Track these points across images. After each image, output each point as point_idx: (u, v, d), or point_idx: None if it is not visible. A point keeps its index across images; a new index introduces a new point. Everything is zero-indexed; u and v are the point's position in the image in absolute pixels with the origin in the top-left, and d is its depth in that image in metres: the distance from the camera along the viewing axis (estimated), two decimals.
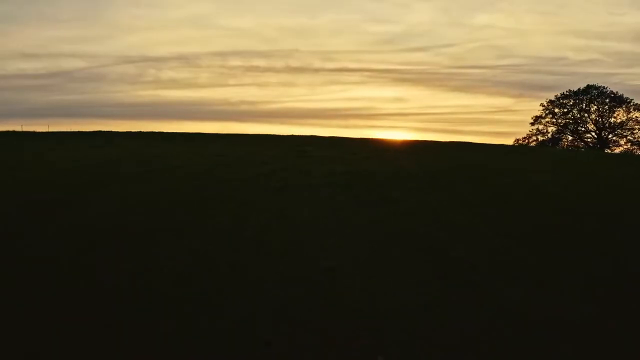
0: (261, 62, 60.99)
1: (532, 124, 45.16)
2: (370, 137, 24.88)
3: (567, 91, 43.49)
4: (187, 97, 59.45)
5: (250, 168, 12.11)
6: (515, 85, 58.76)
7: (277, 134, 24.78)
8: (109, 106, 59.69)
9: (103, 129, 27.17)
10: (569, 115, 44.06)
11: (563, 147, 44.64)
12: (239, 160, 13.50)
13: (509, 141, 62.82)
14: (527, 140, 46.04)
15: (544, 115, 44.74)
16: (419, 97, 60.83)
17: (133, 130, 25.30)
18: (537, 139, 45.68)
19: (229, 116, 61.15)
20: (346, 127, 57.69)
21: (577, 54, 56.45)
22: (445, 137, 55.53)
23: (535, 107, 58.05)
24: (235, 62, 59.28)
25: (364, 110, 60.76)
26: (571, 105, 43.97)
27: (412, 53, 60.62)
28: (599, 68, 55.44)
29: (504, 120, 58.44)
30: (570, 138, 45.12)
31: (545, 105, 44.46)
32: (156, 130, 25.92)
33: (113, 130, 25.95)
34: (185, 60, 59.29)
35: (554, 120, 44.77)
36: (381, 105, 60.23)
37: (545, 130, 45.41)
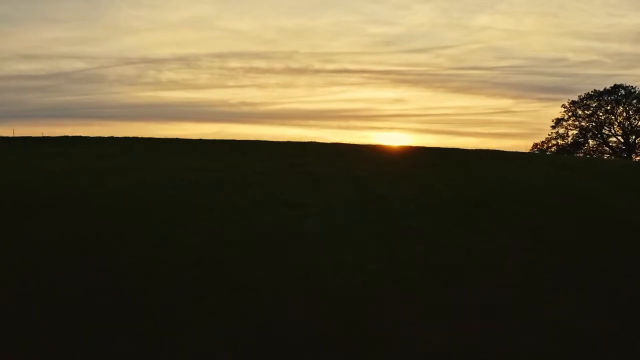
0: (261, 64, 62.38)
1: (554, 127, 45.16)
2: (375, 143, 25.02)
3: (592, 91, 43.53)
4: (186, 98, 61.49)
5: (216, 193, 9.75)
6: (515, 86, 61.18)
7: (269, 139, 24.63)
8: (108, 107, 64.17)
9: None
10: (593, 118, 44.09)
11: (587, 152, 44.73)
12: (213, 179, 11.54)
13: (509, 142, 63.43)
14: (545, 145, 46.10)
15: (566, 117, 44.74)
16: (418, 99, 63.14)
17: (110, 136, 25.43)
18: (557, 142, 45.72)
19: (229, 117, 63.85)
20: (347, 128, 61.98)
21: (577, 55, 59.00)
22: (445, 138, 57.15)
23: (534, 109, 59.93)
24: (235, 63, 60.78)
25: (364, 112, 63.59)
26: (595, 106, 44.06)
27: (411, 54, 62.87)
28: (599, 69, 60.39)
29: (503, 121, 61.99)
30: (592, 142, 45.14)
31: (567, 106, 44.53)
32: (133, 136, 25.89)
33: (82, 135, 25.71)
34: (184, 61, 60.91)
35: (576, 123, 44.83)
36: (381, 107, 63.11)
37: (566, 134, 45.46)
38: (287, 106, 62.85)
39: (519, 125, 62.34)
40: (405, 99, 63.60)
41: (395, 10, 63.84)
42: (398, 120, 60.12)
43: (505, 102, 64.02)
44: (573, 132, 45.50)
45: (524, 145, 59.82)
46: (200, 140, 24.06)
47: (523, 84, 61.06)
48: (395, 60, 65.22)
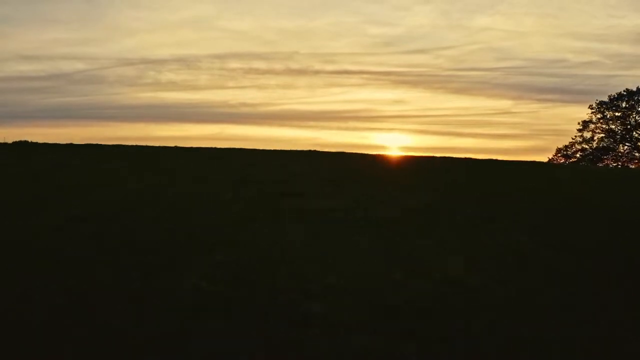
0: (261, 65, 63.97)
1: (580, 130, 41.44)
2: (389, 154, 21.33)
3: (624, 91, 39.89)
4: (186, 99, 63.99)
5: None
6: (515, 87, 63.83)
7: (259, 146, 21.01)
8: (108, 108, 65.79)
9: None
10: (625, 121, 40.43)
11: (615, 158, 41.18)
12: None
13: (509, 143, 63.27)
14: (569, 150, 42.42)
15: (594, 119, 41.04)
16: (418, 99, 64.60)
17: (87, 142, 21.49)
18: (583, 147, 42.03)
19: (229, 118, 65.82)
20: (346, 129, 62.39)
21: (577, 56, 62.23)
22: (445, 139, 57.67)
23: (533, 109, 60.66)
24: (235, 64, 62.08)
25: (363, 113, 66.50)
26: (626, 108, 40.42)
27: (411, 55, 65.12)
28: (599, 70, 60.92)
29: (503, 122, 63.61)
30: (622, 148, 41.50)
31: (595, 107, 40.81)
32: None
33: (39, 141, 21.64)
34: (184, 62, 62.73)
35: (604, 126, 41.17)
36: (381, 108, 66.79)
37: (592, 138, 41.82)
38: (287, 107, 64.18)
39: (518, 126, 63.85)
40: (405, 100, 64.59)
41: (395, 11, 65.06)
42: (398, 121, 61.21)
43: (504, 103, 65.53)
44: (599, 135, 41.93)
45: (523, 146, 59.45)
46: (176, 148, 20.22)
47: (523, 85, 62.59)
48: (395, 61, 67.35)
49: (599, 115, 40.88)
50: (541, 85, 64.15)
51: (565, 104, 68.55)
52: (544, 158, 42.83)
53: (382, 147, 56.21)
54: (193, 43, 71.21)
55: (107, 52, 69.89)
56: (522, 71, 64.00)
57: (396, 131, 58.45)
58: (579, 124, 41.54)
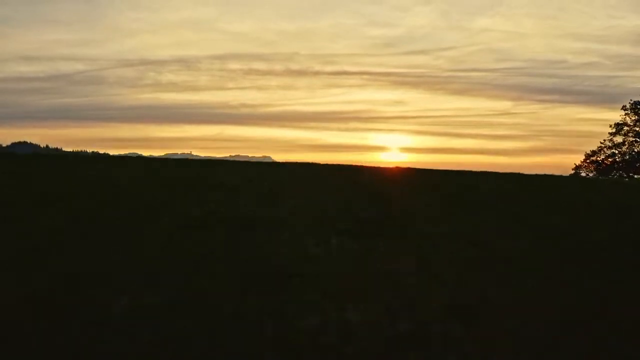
0: (261, 66, 62.76)
1: (613, 134, 37.56)
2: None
3: None
4: (186, 100, 61.95)
5: None
6: (514, 88, 60.96)
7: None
8: (108, 109, 61.67)
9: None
10: None
11: None
12: None
13: (509, 144, 59.90)
14: (598, 157, 38.55)
15: (629, 121, 37.17)
16: (418, 100, 62.58)
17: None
18: (615, 152, 38.09)
19: (229, 119, 61.19)
20: (346, 130, 57.31)
21: (577, 57, 58.76)
22: (444, 140, 55.34)
23: (533, 110, 57.35)
24: (235, 65, 60.96)
25: (363, 113, 62.45)
26: None
27: (411, 56, 63.41)
28: (599, 71, 57.26)
29: (503, 123, 59.68)
30: None
31: (629, 108, 36.92)
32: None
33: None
34: (184, 63, 61.41)
35: (637, 129, 37.32)
36: (381, 108, 62.13)
37: (623, 142, 37.95)
38: (287, 108, 62.08)
39: (518, 127, 61.05)
40: (405, 100, 62.51)
41: (395, 12, 63.53)
42: (398, 122, 58.76)
43: (504, 104, 63.27)
44: (630, 139, 38.05)
45: (523, 147, 56.68)
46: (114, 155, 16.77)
47: (522, 86, 60.03)
48: (395, 62, 65.57)
49: (634, 117, 37.07)
50: (541, 86, 62.25)
51: (565, 105, 66.45)
52: (544, 159, 39.40)
53: (382, 148, 53.81)
54: (193, 44, 70.15)
55: (107, 53, 69.28)
56: (521, 72, 62.25)
57: (396, 132, 56.60)
58: (610, 126, 37.80)
